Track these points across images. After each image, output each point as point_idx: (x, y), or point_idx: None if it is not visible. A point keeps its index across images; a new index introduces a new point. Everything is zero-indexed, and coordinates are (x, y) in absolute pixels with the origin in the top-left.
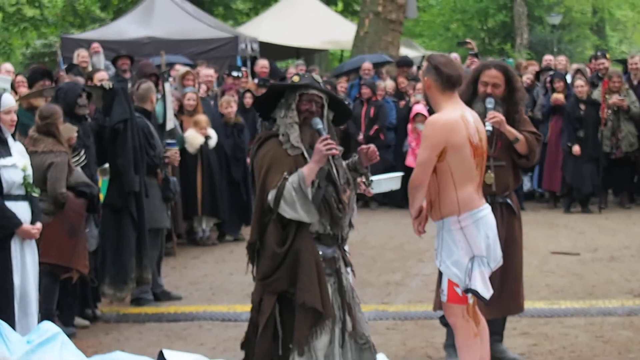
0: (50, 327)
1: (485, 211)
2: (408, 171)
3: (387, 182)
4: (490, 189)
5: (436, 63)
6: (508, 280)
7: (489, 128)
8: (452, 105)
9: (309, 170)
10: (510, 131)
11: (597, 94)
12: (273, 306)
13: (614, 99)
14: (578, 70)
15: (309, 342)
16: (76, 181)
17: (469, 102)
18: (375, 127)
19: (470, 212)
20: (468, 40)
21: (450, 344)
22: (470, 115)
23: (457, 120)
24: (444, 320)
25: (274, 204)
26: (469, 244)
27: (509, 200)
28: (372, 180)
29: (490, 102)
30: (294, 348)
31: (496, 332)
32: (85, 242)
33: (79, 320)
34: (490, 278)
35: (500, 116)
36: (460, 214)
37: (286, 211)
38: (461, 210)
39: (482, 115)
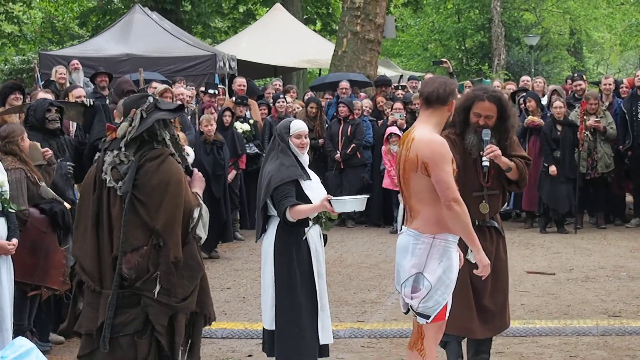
0: (24, 343)
1: (400, 235)
2: (385, 192)
3: (351, 202)
4: (483, 216)
5: (422, 81)
6: (499, 300)
7: (486, 164)
8: (418, 122)
9: (200, 194)
10: (505, 162)
11: (574, 115)
12: (185, 326)
13: (591, 121)
14: (555, 91)
15: None
16: (43, 197)
17: (462, 131)
18: (352, 145)
19: None
20: (444, 59)
21: None
22: (409, 135)
23: None
24: (442, 342)
25: (195, 223)
26: None
27: (495, 224)
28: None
29: (486, 135)
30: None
31: (484, 350)
32: (62, 259)
33: (54, 336)
34: (481, 297)
35: (497, 150)
36: None
37: (201, 230)
38: None
39: (476, 147)
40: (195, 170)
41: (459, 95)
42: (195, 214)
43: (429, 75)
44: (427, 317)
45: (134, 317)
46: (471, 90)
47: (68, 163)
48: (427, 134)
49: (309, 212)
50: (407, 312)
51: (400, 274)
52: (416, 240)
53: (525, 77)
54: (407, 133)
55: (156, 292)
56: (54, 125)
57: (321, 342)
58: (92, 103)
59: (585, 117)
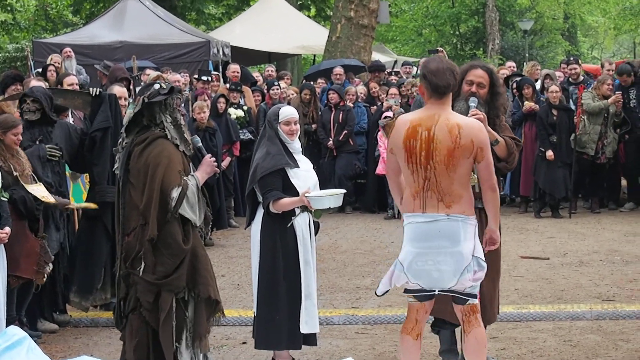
0: (16, 332)
1: (415, 219)
2: (379, 179)
3: (328, 199)
4: (474, 191)
5: (426, 71)
6: (489, 287)
7: None
8: (425, 110)
9: (201, 178)
10: (491, 132)
11: (588, 97)
12: (171, 303)
13: (614, 96)
14: (547, 75)
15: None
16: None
17: (453, 100)
18: (345, 132)
19: (405, 215)
20: (439, 48)
21: (444, 350)
22: (438, 123)
23: (404, 122)
24: (435, 329)
25: (176, 203)
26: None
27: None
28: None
29: (473, 101)
30: (195, 341)
31: None
32: (35, 247)
33: (48, 325)
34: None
35: (481, 114)
36: (403, 213)
37: (187, 211)
38: (402, 210)
39: (464, 114)
40: (207, 155)
41: None
42: (174, 194)
43: (425, 60)
44: (476, 295)
45: (130, 295)
46: (467, 64)
47: (49, 146)
48: (469, 120)
49: (291, 206)
50: (381, 295)
51: (456, 262)
52: (465, 224)
53: (509, 63)
54: (435, 119)
55: (141, 270)
56: (30, 117)
57: (303, 331)
58: (98, 93)
59: (585, 101)
